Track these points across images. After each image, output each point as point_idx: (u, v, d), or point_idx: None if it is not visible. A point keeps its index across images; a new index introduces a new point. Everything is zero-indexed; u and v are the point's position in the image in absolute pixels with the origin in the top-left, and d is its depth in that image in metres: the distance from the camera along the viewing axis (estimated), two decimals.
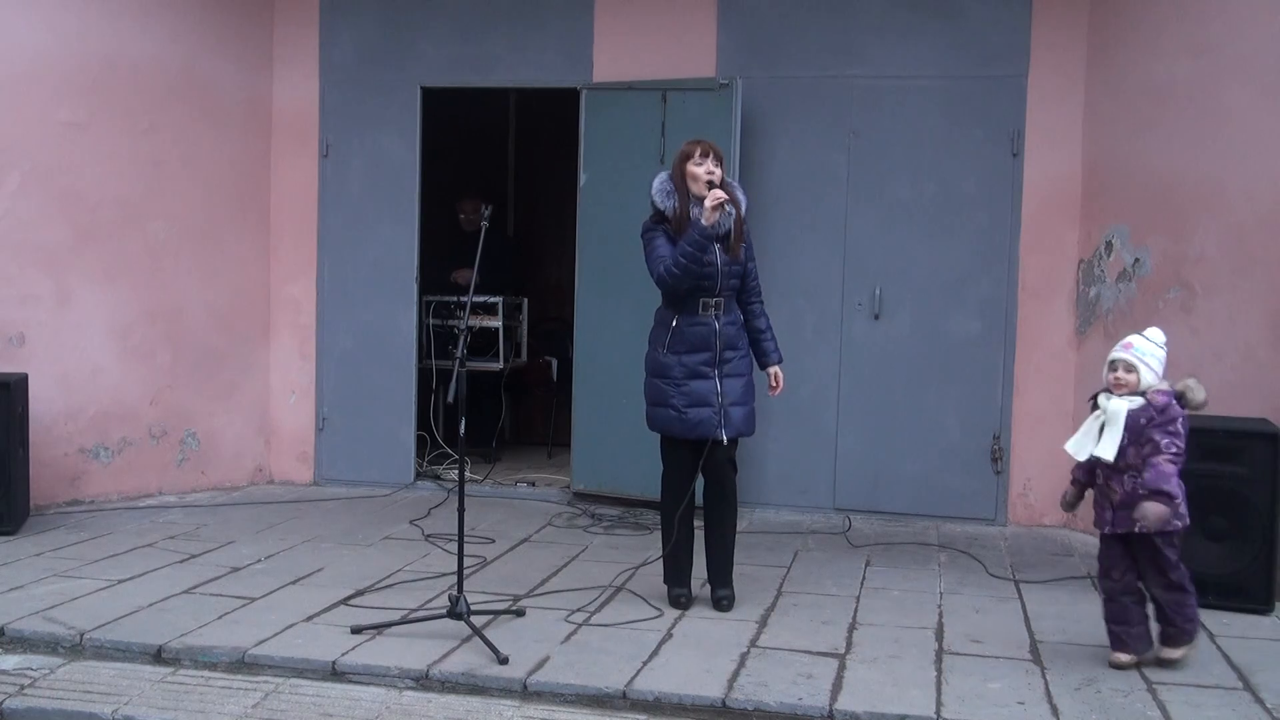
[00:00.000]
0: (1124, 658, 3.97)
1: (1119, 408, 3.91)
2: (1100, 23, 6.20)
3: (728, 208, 4.34)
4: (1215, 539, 4.69)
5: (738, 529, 4.74)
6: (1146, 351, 3.96)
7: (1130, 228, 5.94)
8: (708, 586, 4.67)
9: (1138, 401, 3.90)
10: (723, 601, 4.57)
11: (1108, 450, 3.90)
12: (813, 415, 6.62)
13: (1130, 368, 3.93)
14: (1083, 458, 4.00)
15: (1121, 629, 3.99)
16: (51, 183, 6.20)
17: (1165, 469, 3.84)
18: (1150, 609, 4.03)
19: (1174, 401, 3.91)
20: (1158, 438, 3.86)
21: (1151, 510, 3.83)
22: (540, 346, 8.51)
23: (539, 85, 7.02)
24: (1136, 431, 3.88)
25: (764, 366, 4.68)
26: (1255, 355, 5.15)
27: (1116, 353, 4.00)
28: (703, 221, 4.30)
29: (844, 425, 6.59)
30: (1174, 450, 3.85)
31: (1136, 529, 3.89)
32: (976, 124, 6.41)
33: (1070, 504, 4.16)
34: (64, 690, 3.71)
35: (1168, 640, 4.00)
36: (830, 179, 6.56)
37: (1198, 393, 3.94)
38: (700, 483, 4.62)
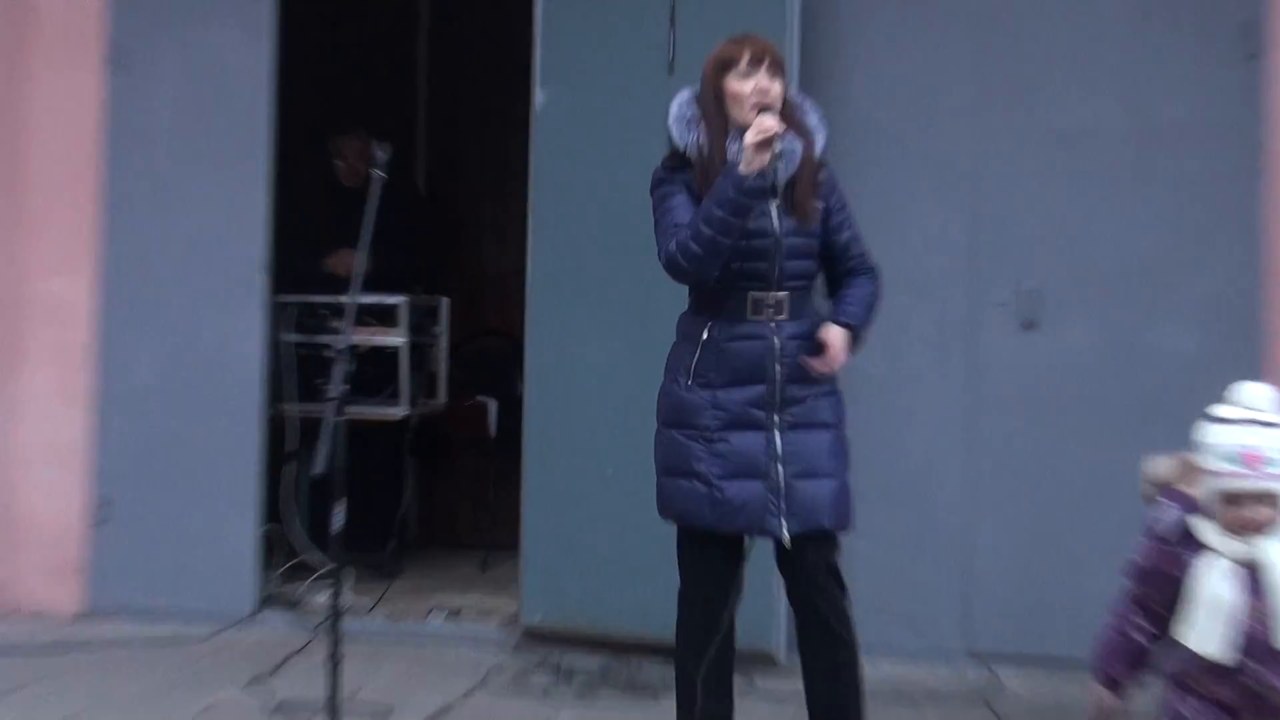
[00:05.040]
0: None
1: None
2: None
3: (780, 145, 3.52)
4: None
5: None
6: None
7: None
8: None
9: None
10: None
11: None
12: (924, 492, 5.14)
13: (1270, 498, 2.96)
14: (1220, 652, 2.96)
15: None
16: None
17: None
18: None
19: None
20: None
21: None
22: (468, 378, 6.70)
23: None
24: None
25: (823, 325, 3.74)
26: None
27: (1237, 478, 2.88)
28: (739, 170, 3.54)
29: (980, 509, 5.03)
30: None
31: None
32: (1186, 9, 5.00)
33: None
34: None
35: None
36: (947, 100, 5.13)
37: None
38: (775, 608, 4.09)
